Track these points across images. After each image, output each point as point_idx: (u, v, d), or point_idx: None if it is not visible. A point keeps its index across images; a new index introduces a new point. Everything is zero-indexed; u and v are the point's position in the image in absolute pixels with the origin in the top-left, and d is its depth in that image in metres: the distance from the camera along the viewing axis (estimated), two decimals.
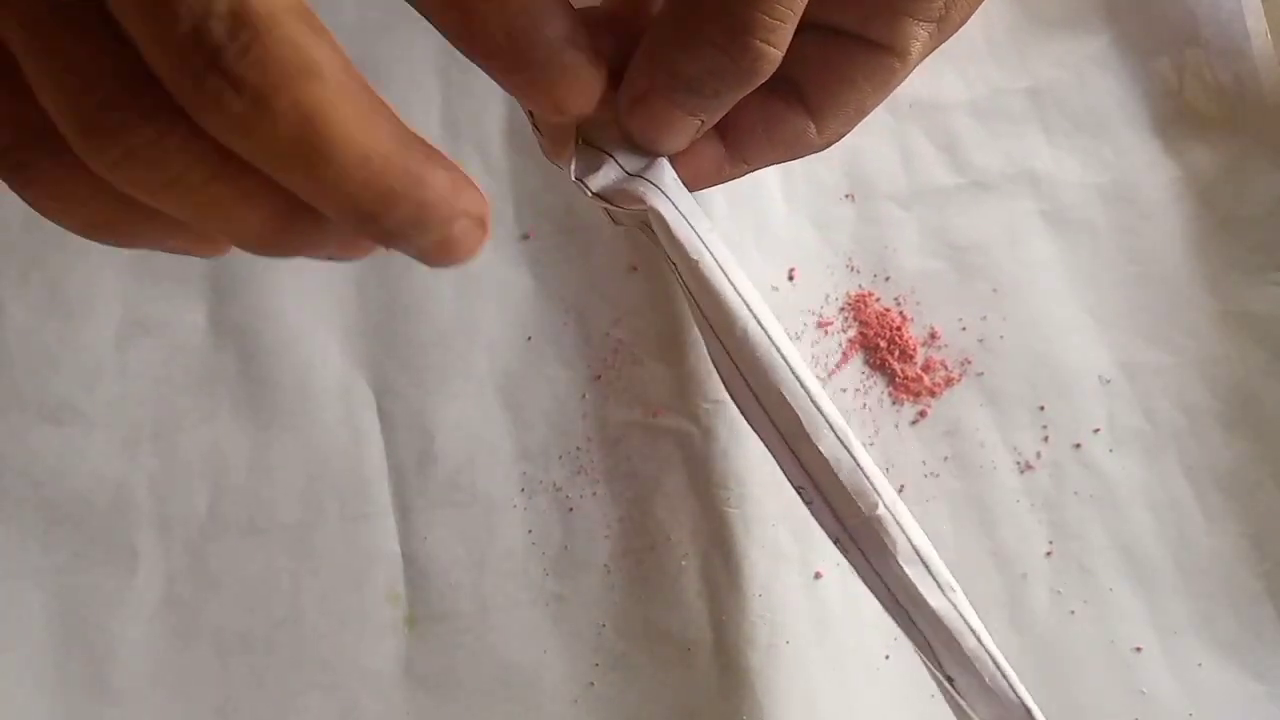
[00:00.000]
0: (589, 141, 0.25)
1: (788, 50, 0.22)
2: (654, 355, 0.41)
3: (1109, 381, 0.42)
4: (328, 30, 0.18)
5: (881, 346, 0.42)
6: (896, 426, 0.41)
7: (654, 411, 0.40)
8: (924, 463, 0.41)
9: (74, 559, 0.39)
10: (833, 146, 0.43)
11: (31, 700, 0.37)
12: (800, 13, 0.22)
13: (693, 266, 0.24)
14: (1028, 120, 0.44)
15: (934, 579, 0.24)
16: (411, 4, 0.20)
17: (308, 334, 0.41)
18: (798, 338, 0.42)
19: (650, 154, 0.25)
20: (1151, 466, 0.41)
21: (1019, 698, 0.24)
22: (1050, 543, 0.40)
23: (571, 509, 0.40)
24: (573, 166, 0.25)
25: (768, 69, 0.22)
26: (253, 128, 0.17)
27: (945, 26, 0.25)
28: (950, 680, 0.24)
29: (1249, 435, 0.41)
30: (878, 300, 0.42)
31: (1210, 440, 0.41)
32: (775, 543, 0.39)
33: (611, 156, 0.25)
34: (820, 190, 0.43)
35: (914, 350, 0.42)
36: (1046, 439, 0.41)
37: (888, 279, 0.43)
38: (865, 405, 0.41)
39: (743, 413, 0.25)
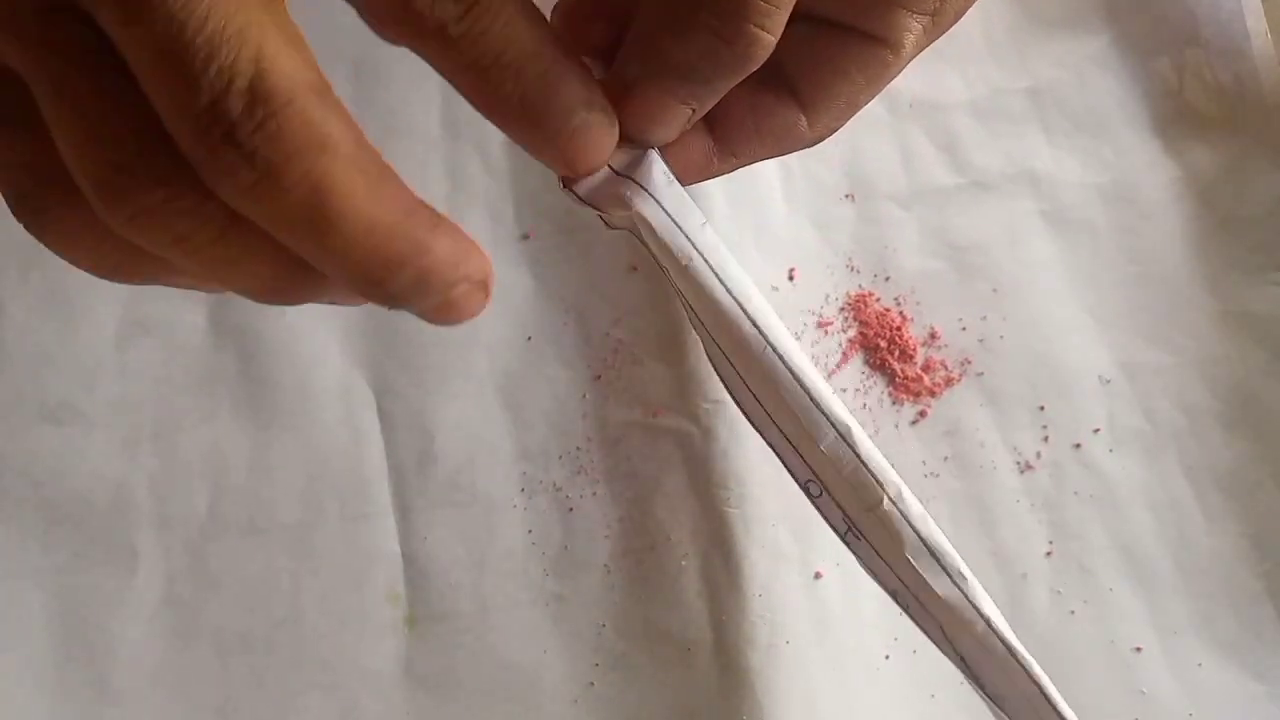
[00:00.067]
0: None
1: (779, 42, 0.22)
2: (654, 355, 0.41)
3: (1109, 381, 0.42)
4: (342, 105, 0.19)
5: (881, 346, 0.42)
6: (896, 426, 0.41)
7: (654, 411, 0.40)
8: (924, 463, 0.41)
9: (74, 559, 0.39)
10: (833, 147, 0.44)
11: (31, 700, 0.37)
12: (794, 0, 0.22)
13: (682, 271, 0.24)
14: (1028, 120, 0.44)
15: (942, 568, 0.24)
16: (428, 63, 0.21)
17: (308, 334, 0.41)
18: (798, 338, 0.42)
19: (640, 145, 0.24)
20: (1151, 466, 0.41)
21: (1034, 680, 0.24)
22: (1050, 543, 0.40)
23: (571, 509, 0.40)
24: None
25: (761, 55, 0.22)
26: (262, 197, 0.18)
27: (940, 21, 0.25)
28: (964, 660, 0.24)
29: (1249, 435, 0.41)
30: (878, 300, 0.42)
31: (1210, 440, 0.41)
32: (775, 543, 0.39)
33: None
34: (820, 190, 0.43)
35: (914, 350, 0.42)
36: (1046, 439, 0.41)
37: (888, 279, 0.43)
38: (865, 405, 0.41)
39: (744, 413, 0.25)
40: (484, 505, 0.40)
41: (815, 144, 0.27)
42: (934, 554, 0.24)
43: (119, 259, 0.21)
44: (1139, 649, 0.39)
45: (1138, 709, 0.39)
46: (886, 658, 0.39)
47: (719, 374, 0.25)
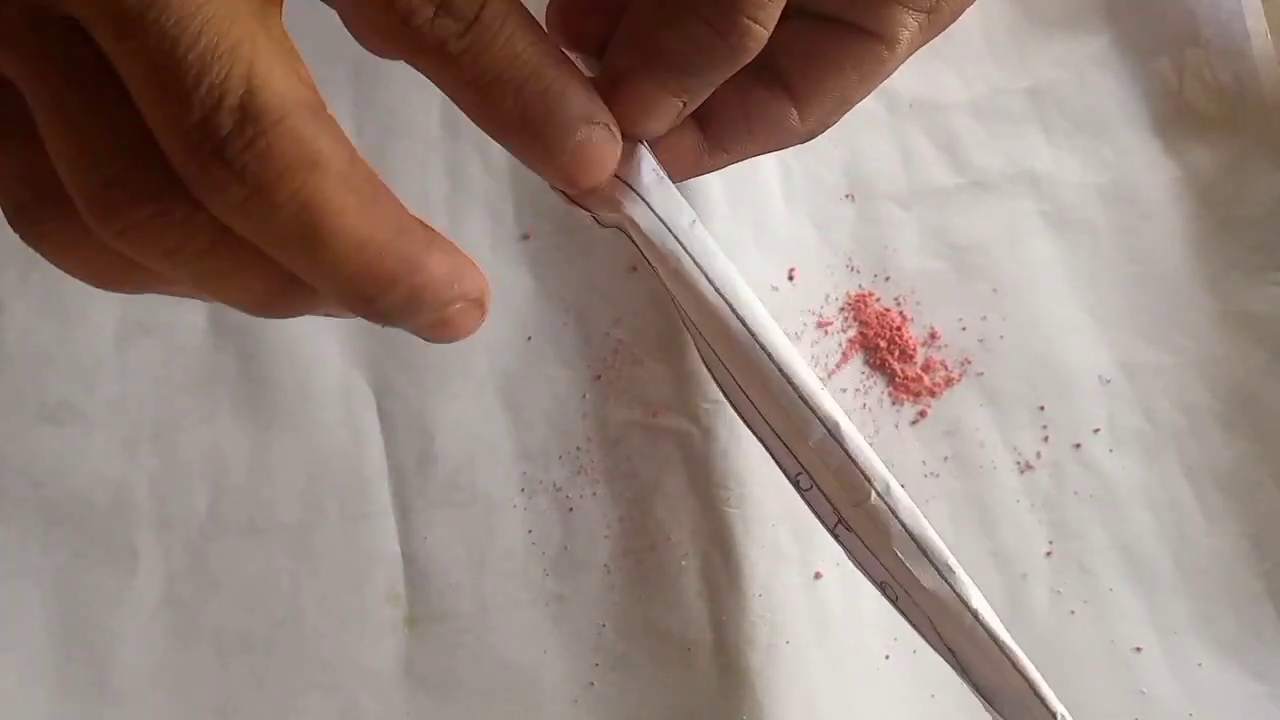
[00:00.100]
0: None
1: (771, 38, 0.22)
2: (654, 355, 0.41)
3: (1109, 381, 0.42)
4: (336, 122, 0.19)
5: (881, 346, 0.42)
6: (896, 426, 0.41)
7: (654, 411, 0.40)
8: (924, 463, 0.41)
9: (74, 559, 0.39)
10: (833, 147, 0.44)
11: (31, 700, 0.37)
12: None
13: (672, 273, 0.24)
14: (1028, 120, 0.44)
15: (929, 561, 0.24)
16: (431, 80, 0.21)
17: (308, 334, 0.41)
18: (798, 338, 0.42)
19: (629, 138, 0.24)
20: (1151, 466, 0.41)
21: (1022, 673, 0.24)
22: (1050, 543, 0.40)
23: (571, 509, 0.40)
24: None
25: (754, 47, 0.22)
26: (252, 214, 0.18)
27: (937, 18, 0.25)
28: (952, 652, 0.24)
29: (1249, 435, 0.41)
30: (878, 300, 0.42)
31: (1210, 440, 0.41)
32: (775, 543, 0.39)
33: None
34: (820, 190, 0.43)
35: (914, 350, 0.42)
36: (1046, 439, 0.41)
37: (888, 279, 0.43)
38: (865, 405, 0.41)
39: (735, 409, 0.25)
40: (484, 505, 0.40)
41: (807, 140, 0.26)
42: (921, 547, 0.24)
43: (113, 270, 0.21)
44: (1139, 649, 0.39)
45: (1138, 709, 0.39)
46: (886, 658, 0.39)
47: (711, 372, 0.25)
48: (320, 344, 0.41)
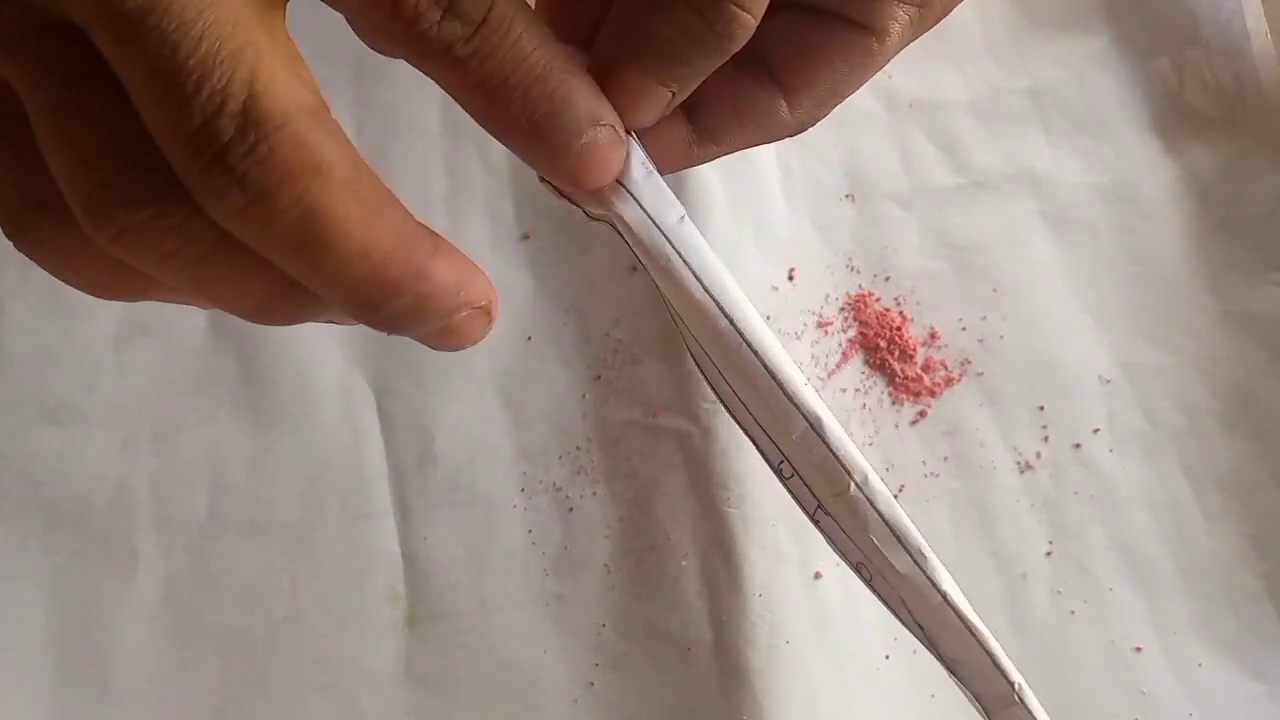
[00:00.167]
0: None
1: (761, 29, 0.22)
2: (654, 355, 0.41)
3: (1109, 381, 0.42)
4: (339, 127, 0.18)
5: (881, 346, 0.42)
6: (896, 426, 0.41)
7: (654, 411, 0.40)
8: (924, 463, 0.41)
9: (74, 559, 0.39)
10: (833, 147, 0.44)
11: (31, 700, 0.37)
12: None
13: (660, 269, 0.24)
14: (1028, 120, 0.44)
15: (904, 547, 0.25)
16: (437, 83, 0.21)
17: (308, 335, 0.41)
18: (798, 338, 0.42)
19: None
20: (1151, 466, 0.41)
21: (984, 646, 0.25)
22: (1050, 543, 0.40)
23: (571, 509, 0.40)
24: None
25: (742, 35, 0.22)
26: (253, 220, 0.18)
27: (928, 13, 0.24)
28: (920, 628, 0.26)
29: (1249, 435, 0.41)
30: (878, 300, 0.42)
31: (1210, 440, 0.41)
32: (775, 543, 0.39)
33: None
34: (820, 190, 0.43)
35: (914, 350, 0.42)
36: (1046, 439, 0.41)
37: (888, 279, 0.43)
38: (865, 405, 0.41)
39: (722, 402, 0.26)
40: (484, 505, 0.40)
41: (798, 132, 0.26)
42: (896, 535, 0.25)
43: (109, 278, 0.21)
44: (1139, 649, 0.39)
45: (1138, 709, 0.39)
46: (886, 658, 0.39)
47: (698, 366, 0.26)
48: (320, 344, 0.41)
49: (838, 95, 0.25)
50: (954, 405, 0.41)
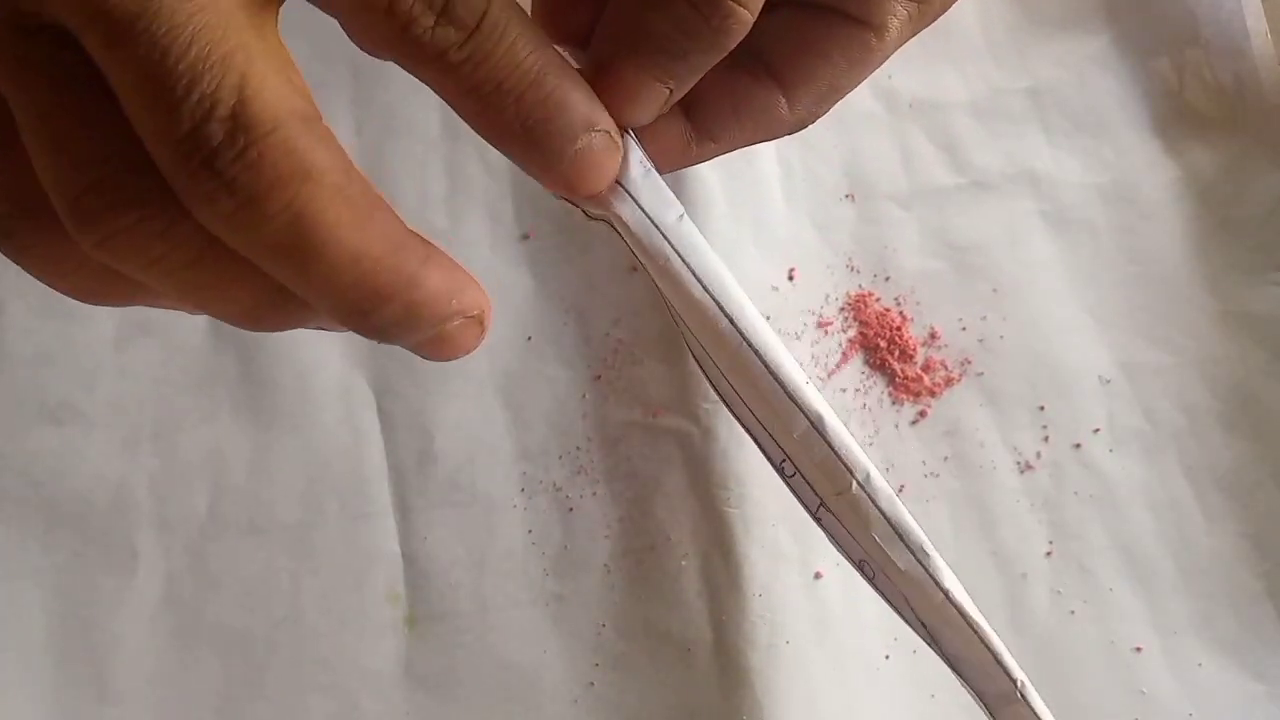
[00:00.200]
0: None
1: (759, 25, 0.22)
2: (654, 355, 0.41)
3: (1109, 381, 0.42)
4: (330, 133, 0.18)
5: (881, 346, 0.42)
6: (896, 426, 0.41)
7: (654, 411, 0.40)
8: (924, 463, 0.41)
9: (74, 559, 0.39)
10: (833, 147, 0.44)
11: (31, 700, 0.37)
12: None
13: (659, 269, 0.24)
14: (1028, 120, 0.44)
15: (906, 545, 0.25)
16: (430, 88, 0.21)
17: (308, 335, 0.41)
18: (798, 338, 0.42)
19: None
20: (1151, 466, 0.41)
21: (986, 644, 0.25)
22: (1050, 543, 0.40)
23: (571, 509, 0.40)
24: None
25: (739, 31, 0.22)
26: (242, 225, 0.18)
27: (927, 9, 0.24)
28: (924, 625, 0.26)
29: (1249, 435, 0.41)
30: (878, 300, 0.42)
31: (1210, 440, 0.41)
32: (775, 543, 0.39)
33: None
34: (820, 190, 0.43)
35: (914, 350, 0.42)
36: (1046, 439, 0.41)
37: (888, 279, 0.43)
38: (865, 405, 0.41)
39: (724, 402, 0.26)
40: (484, 505, 0.40)
41: (797, 129, 0.26)
42: (898, 533, 0.25)
43: (96, 283, 0.21)
44: (1139, 649, 0.39)
45: (1138, 709, 0.39)
46: (886, 658, 0.39)
47: (699, 366, 0.26)
48: (321, 345, 0.41)
49: (837, 91, 0.25)
50: (954, 405, 0.41)
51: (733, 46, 0.22)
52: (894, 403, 0.42)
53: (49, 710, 0.37)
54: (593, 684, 0.38)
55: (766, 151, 0.43)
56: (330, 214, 0.18)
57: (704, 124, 0.25)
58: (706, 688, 0.38)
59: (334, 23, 0.21)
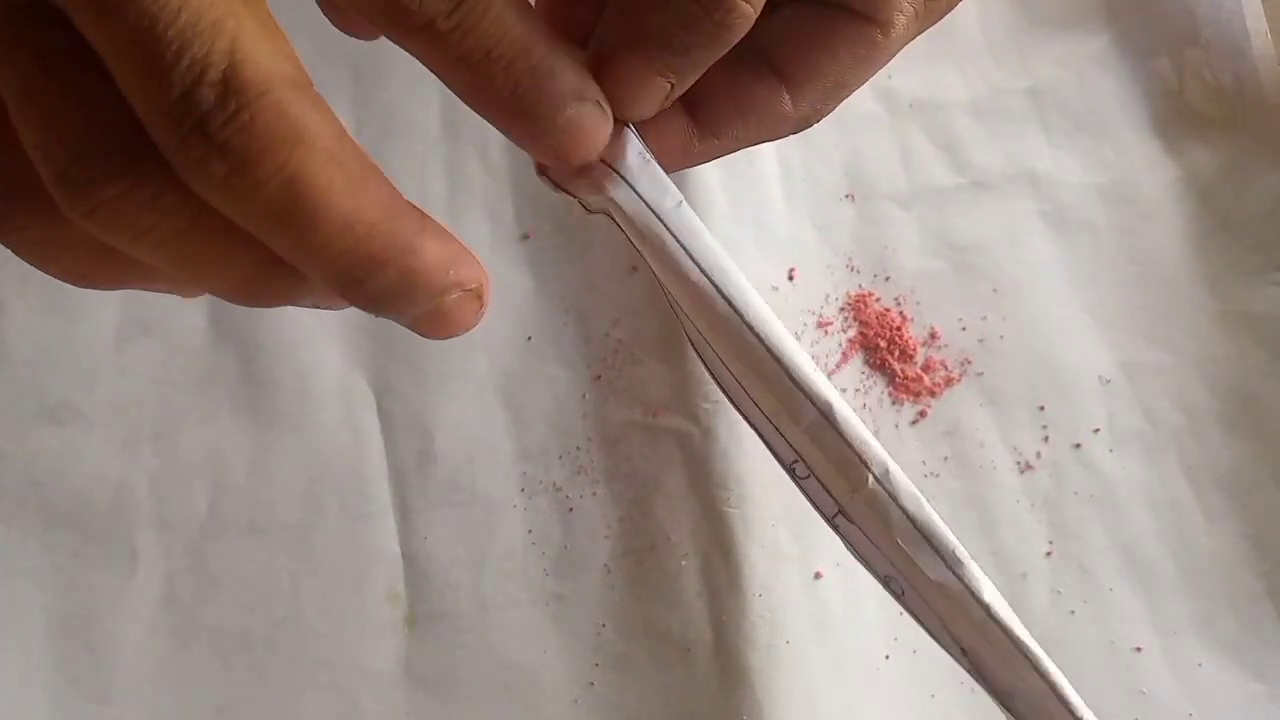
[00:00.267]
0: None
1: (763, 22, 0.22)
2: (654, 355, 0.41)
3: (1109, 381, 0.42)
4: (323, 100, 0.18)
5: (881, 346, 0.42)
6: (896, 426, 0.41)
7: (654, 411, 0.40)
8: (924, 463, 0.41)
9: (74, 559, 0.39)
10: (833, 147, 0.44)
11: (31, 700, 0.37)
12: None
13: (655, 253, 0.23)
14: (1028, 120, 0.44)
15: (935, 550, 0.22)
16: (419, 59, 0.20)
17: (308, 334, 0.41)
18: (798, 338, 0.42)
19: (616, 121, 0.24)
20: (1151, 466, 0.41)
21: (1042, 673, 0.22)
22: (1050, 543, 0.40)
23: (571, 509, 0.40)
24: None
25: (741, 26, 0.22)
26: (235, 191, 0.17)
27: (933, 6, 0.24)
28: (964, 652, 0.23)
29: (1249, 435, 0.41)
30: (878, 300, 0.42)
31: (1210, 440, 0.41)
32: (775, 543, 0.39)
33: None
34: (820, 190, 0.43)
35: (914, 350, 0.42)
36: (1046, 439, 0.41)
37: (888, 279, 0.43)
38: (865, 405, 0.41)
39: (727, 395, 0.24)
40: (484, 505, 0.40)
41: (801, 127, 0.26)
42: (925, 535, 0.22)
43: (87, 265, 0.21)
44: (1139, 649, 0.39)
45: (1138, 709, 0.39)
46: (886, 658, 0.39)
47: (700, 357, 0.25)
48: (321, 344, 0.41)
49: (842, 89, 0.25)
50: (954, 405, 0.41)
51: (734, 42, 0.22)
52: (894, 403, 0.42)
53: (49, 710, 0.37)
54: (593, 684, 0.38)
55: (767, 151, 0.43)
56: (323, 178, 0.18)
57: (707, 121, 0.25)
58: (706, 688, 0.38)
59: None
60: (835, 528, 0.24)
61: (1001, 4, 0.45)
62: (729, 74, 0.24)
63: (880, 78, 0.28)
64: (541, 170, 0.24)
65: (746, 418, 0.24)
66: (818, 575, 0.39)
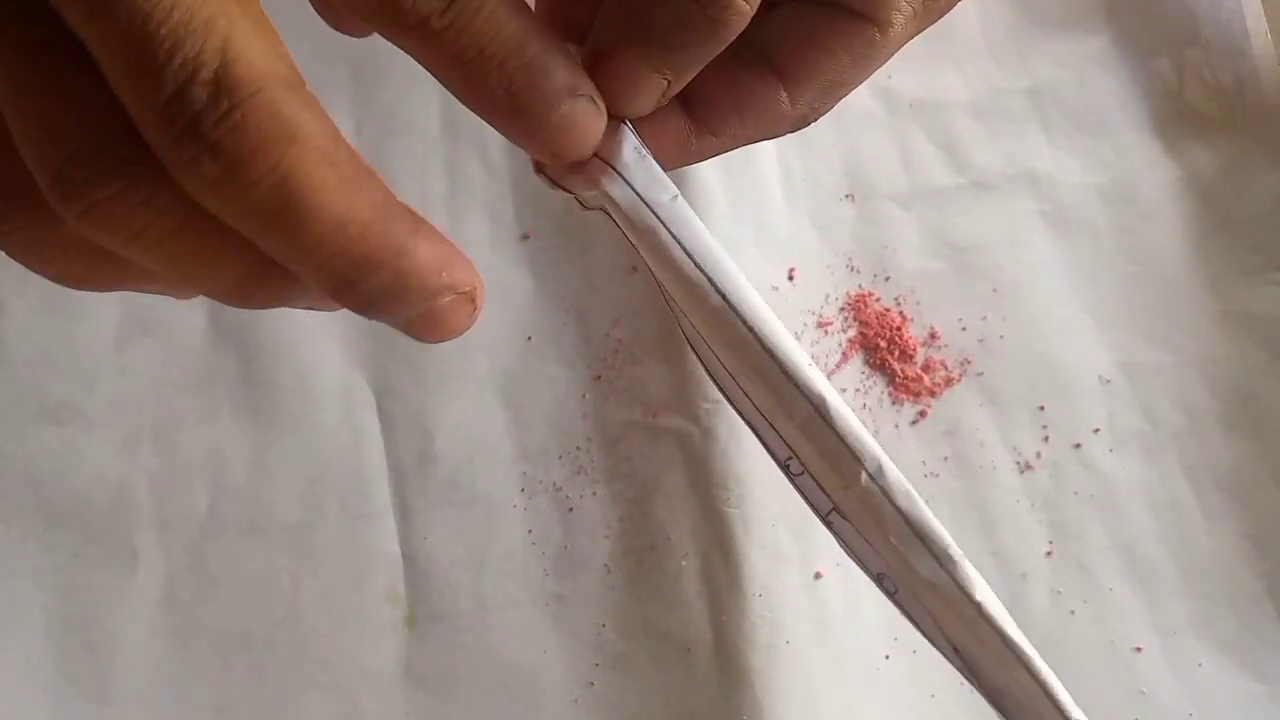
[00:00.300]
0: None
1: (761, 20, 0.22)
2: (654, 355, 0.41)
3: (1109, 381, 0.42)
4: (316, 100, 0.18)
5: (881, 346, 0.42)
6: (896, 426, 0.41)
7: (654, 411, 0.40)
8: (924, 463, 0.41)
9: (74, 559, 0.39)
10: (833, 147, 0.44)
11: (31, 700, 0.37)
12: None
13: (649, 247, 0.23)
14: (1028, 120, 0.44)
15: (927, 549, 0.22)
16: (412, 56, 0.20)
17: (308, 334, 0.41)
18: (798, 338, 0.42)
19: (612, 118, 0.23)
20: (1151, 466, 0.41)
21: (1034, 674, 0.22)
22: (1050, 543, 0.40)
23: (571, 509, 0.40)
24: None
25: (738, 23, 0.22)
26: (227, 190, 0.17)
27: (933, 5, 0.24)
28: (957, 651, 0.23)
29: (1249, 435, 0.41)
30: (878, 300, 0.42)
31: (1210, 440, 0.41)
32: (775, 543, 0.39)
33: None
34: (820, 190, 0.43)
35: (914, 350, 0.42)
36: (1046, 439, 0.41)
37: (888, 279, 0.43)
38: (865, 405, 0.41)
39: (721, 390, 0.24)
40: (484, 505, 0.40)
41: (799, 126, 0.26)
42: (918, 533, 0.22)
43: (82, 267, 0.21)
44: (1139, 649, 0.39)
45: (1138, 709, 0.39)
46: (886, 658, 0.39)
47: (696, 354, 0.24)
48: (321, 344, 0.41)
49: (840, 88, 0.25)
50: (954, 405, 0.41)
51: (731, 39, 0.22)
52: (894, 403, 0.42)
53: (49, 710, 0.37)
54: (593, 684, 0.38)
55: (766, 151, 0.43)
56: (316, 178, 0.17)
57: (704, 119, 0.25)
58: (706, 688, 0.38)
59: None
60: (829, 525, 0.24)
61: (1001, 4, 0.45)
62: (727, 72, 0.24)
63: (879, 77, 0.28)
64: (539, 167, 0.24)
65: (741, 413, 0.24)
66: (818, 575, 0.39)
